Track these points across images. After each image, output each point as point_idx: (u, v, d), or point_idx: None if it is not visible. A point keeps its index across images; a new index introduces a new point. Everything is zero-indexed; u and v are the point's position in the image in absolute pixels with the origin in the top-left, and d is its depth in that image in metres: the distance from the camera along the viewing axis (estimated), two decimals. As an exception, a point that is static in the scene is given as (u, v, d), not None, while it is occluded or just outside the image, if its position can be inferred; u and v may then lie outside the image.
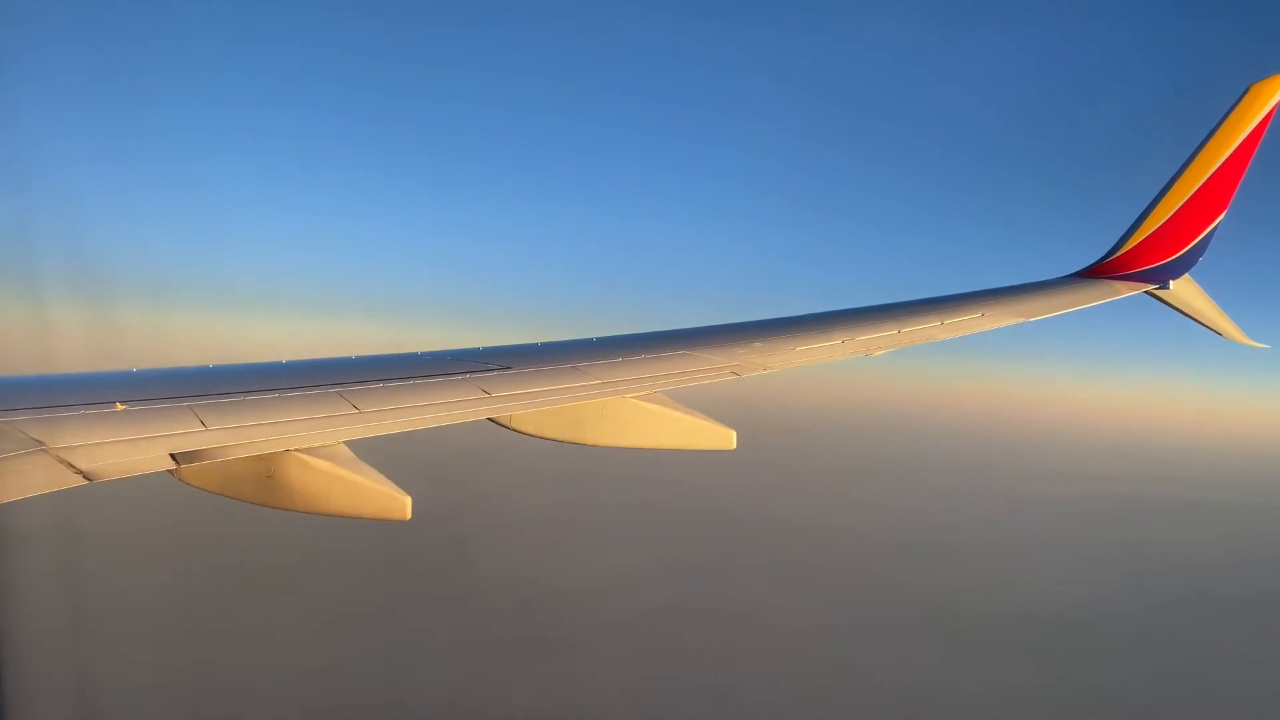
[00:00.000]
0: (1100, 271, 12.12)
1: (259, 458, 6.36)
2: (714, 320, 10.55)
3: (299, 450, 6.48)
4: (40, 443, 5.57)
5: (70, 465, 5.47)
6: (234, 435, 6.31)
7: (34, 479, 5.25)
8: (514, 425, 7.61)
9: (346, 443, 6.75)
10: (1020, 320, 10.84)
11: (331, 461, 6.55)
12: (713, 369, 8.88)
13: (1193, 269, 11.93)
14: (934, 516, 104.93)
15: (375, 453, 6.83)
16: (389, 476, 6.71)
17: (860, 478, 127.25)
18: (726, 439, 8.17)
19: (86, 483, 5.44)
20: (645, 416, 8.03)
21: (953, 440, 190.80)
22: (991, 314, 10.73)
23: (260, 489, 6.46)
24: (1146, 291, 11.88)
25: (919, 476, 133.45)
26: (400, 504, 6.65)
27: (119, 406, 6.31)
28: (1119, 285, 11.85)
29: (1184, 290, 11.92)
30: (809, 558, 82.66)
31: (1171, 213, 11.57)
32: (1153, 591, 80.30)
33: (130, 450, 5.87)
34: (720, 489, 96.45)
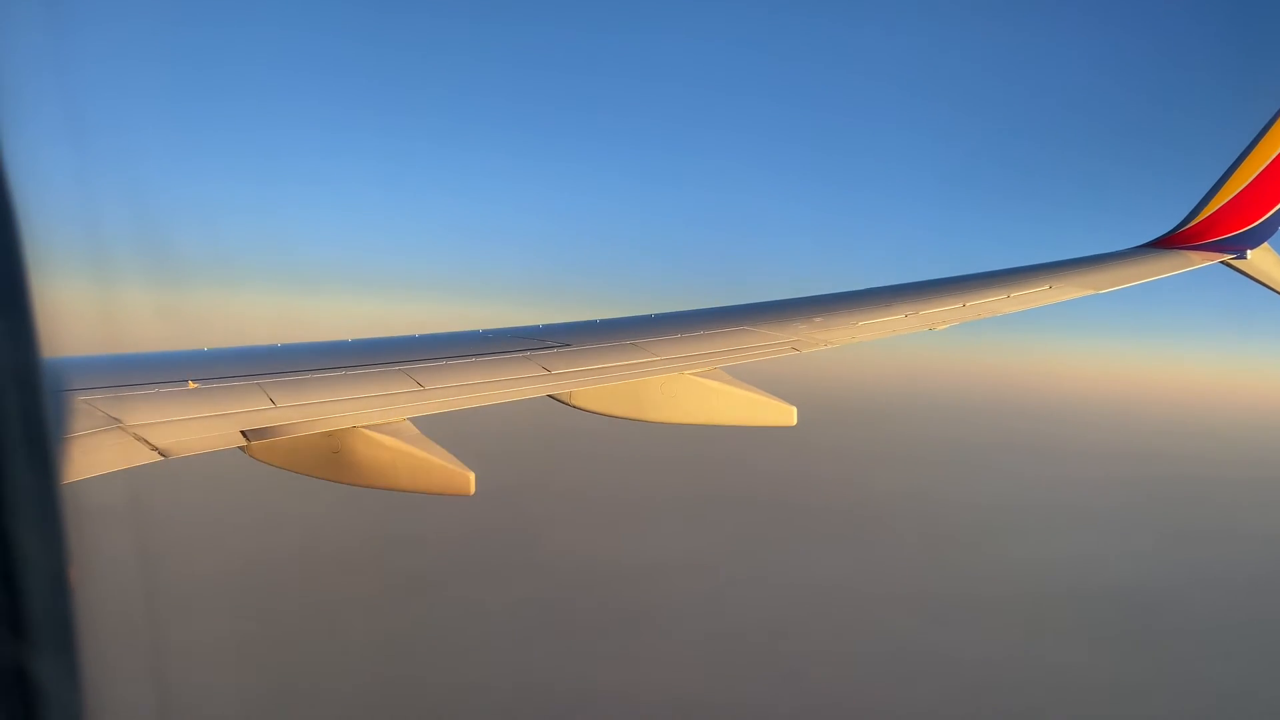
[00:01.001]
0: (1173, 242, 11.74)
1: (326, 434, 6.48)
2: (772, 296, 10.48)
3: (365, 427, 6.59)
4: (117, 420, 5.72)
5: (146, 442, 5.62)
6: (302, 412, 6.44)
7: (112, 455, 5.39)
8: (574, 402, 7.66)
9: (411, 419, 6.86)
10: (1090, 293, 10.55)
11: (397, 438, 6.66)
12: (772, 345, 8.81)
13: (1272, 237, 11.52)
14: (1002, 496, 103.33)
15: (439, 429, 6.92)
16: (452, 452, 6.81)
17: (924, 455, 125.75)
18: (787, 415, 8.11)
19: (161, 459, 5.60)
20: (705, 393, 8.00)
21: (1020, 418, 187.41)
22: (1060, 286, 10.48)
23: (328, 465, 6.59)
24: (1222, 262, 11.48)
25: (985, 455, 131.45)
26: (464, 479, 6.75)
27: (191, 385, 6.47)
28: (1193, 255, 11.48)
29: (1262, 260, 11.50)
30: (873, 536, 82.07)
31: (1249, 179, 11.15)
32: (1232, 573, 78.24)
33: (203, 427, 6.03)
34: (780, 466, 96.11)
